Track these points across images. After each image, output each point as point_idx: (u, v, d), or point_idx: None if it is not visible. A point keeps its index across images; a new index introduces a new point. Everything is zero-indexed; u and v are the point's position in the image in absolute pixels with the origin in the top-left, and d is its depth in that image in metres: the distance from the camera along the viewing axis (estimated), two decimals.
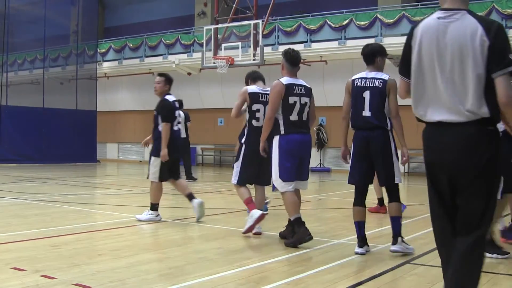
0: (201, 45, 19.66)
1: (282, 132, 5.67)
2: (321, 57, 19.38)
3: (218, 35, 18.47)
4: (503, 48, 2.79)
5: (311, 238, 5.52)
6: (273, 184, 6.09)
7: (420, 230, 6.79)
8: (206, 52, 18.36)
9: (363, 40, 18.21)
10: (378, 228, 6.93)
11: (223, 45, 18.52)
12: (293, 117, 5.68)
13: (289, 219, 5.80)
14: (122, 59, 24.71)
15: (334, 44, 18.78)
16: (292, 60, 6.21)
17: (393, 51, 18.25)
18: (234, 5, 18.44)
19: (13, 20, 22.40)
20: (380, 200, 8.39)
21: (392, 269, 4.70)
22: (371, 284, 4.18)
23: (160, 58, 22.89)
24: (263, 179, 6.48)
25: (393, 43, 17.84)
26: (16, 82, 23.82)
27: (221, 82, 22.13)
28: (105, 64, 25.07)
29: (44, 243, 5.53)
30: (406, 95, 3.10)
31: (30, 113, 21.20)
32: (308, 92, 5.90)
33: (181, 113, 9.89)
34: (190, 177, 14.63)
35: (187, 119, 14.12)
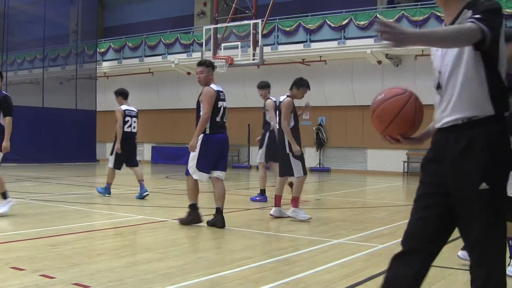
0: (201, 44, 19.65)
1: (208, 131, 6.68)
2: (320, 57, 19.39)
3: (218, 35, 18.47)
4: None
5: (201, 221, 6.77)
6: (186, 169, 6.91)
7: None
8: (205, 52, 18.35)
9: (362, 40, 18.27)
10: (378, 228, 6.92)
11: (223, 44, 18.52)
12: (219, 118, 6.77)
13: (192, 204, 6.83)
14: (121, 59, 24.71)
15: (334, 44, 18.79)
16: (214, 67, 7.15)
17: (393, 51, 18.32)
18: (234, 5, 18.44)
19: (13, 19, 22.40)
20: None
21: None
22: (370, 284, 4.18)
23: (159, 58, 22.90)
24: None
25: None
26: (16, 82, 23.81)
27: (221, 81, 22.08)
28: (105, 64, 25.07)
29: (43, 243, 5.53)
30: None
31: (29, 113, 21.18)
32: (224, 97, 7.03)
33: (131, 109, 10.42)
34: None
35: None
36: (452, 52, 2.53)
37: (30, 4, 23.77)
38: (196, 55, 20.58)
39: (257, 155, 10.40)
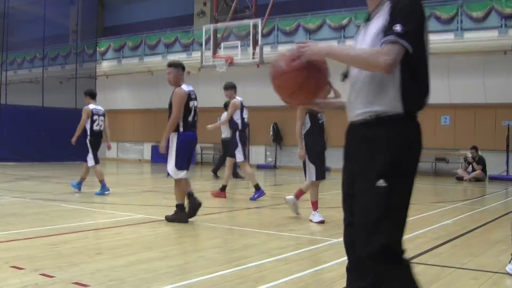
0: (201, 44, 19.66)
1: (181, 130, 6.92)
2: None
3: (218, 35, 18.48)
4: None
5: (187, 222, 6.94)
6: (167, 172, 7.07)
7: (418, 229, 6.79)
8: (205, 52, 18.37)
9: None
10: None
11: (223, 44, 18.53)
12: (190, 118, 7.02)
13: (179, 204, 7.00)
14: (121, 58, 24.71)
15: (334, 43, 18.77)
16: (183, 68, 7.34)
17: None
18: (234, 5, 18.44)
19: (13, 19, 22.40)
20: (224, 187, 10.17)
21: None
22: None
23: (159, 57, 22.89)
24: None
25: None
26: (16, 81, 23.83)
27: (221, 81, 22.09)
28: (104, 63, 25.07)
29: (43, 242, 5.53)
30: None
31: (29, 112, 21.20)
32: (196, 97, 7.23)
33: (99, 108, 10.87)
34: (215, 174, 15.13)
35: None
36: (366, 41, 2.49)
37: (30, 4, 23.77)
38: (196, 55, 20.59)
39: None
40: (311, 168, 7.25)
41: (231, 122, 10.47)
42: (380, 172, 2.33)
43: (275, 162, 21.24)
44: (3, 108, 20.58)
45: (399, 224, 2.37)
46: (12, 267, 4.39)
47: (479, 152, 16.55)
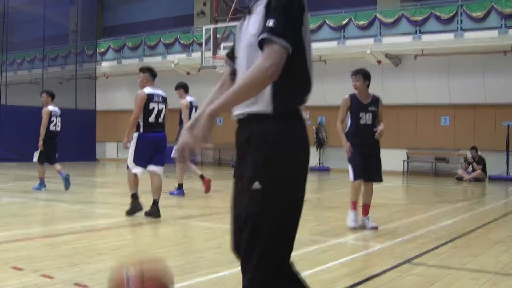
0: (200, 44, 19.66)
1: (141, 130, 7.35)
2: (320, 56, 19.37)
3: (217, 35, 18.47)
4: None
5: (141, 209, 7.24)
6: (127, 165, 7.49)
7: (419, 229, 6.79)
8: (205, 52, 18.35)
9: (362, 40, 18.28)
10: (378, 228, 6.92)
11: (222, 44, 18.52)
12: (151, 119, 7.39)
13: (154, 200, 7.23)
14: (121, 59, 24.70)
15: (333, 43, 18.79)
16: (154, 74, 7.94)
17: (392, 51, 18.34)
18: (233, 5, 18.44)
19: (13, 19, 22.41)
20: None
21: (392, 268, 4.70)
22: (370, 283, 4.18)
23: (159, 58, 22.89)
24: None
25: (393, 42, 17.89)
26: (15, 82, 23.83)
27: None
28: (104, 64, 25.06)
29: (43, 243, 5.53)
30: None
31: (29, 113, 21.17)
32: (164, 100, 7.73)
33: (56, 109, 11.36)
34: None
35: None
36: (245, 38, 2.31)
37: (29, 4, 23.78)
38: (196, 55, 20.58)
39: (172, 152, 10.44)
40: (350, 168, 6.80)
41: (181, 124, 10.63)
42: (255, 174, 2.22)
43: None
44: (3, 108, 20.57)
45: (278, 229, 2.23)
46: (12, 267, 4.39)
47: (479, 152, 16.55)
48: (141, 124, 7.42)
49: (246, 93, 2.15)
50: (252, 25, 2.26)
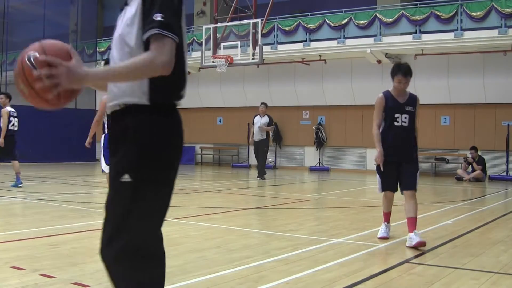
0: (200, 44, 19.66)
1: (106, 131, 7.61)
2: (320, 56, 19.39)
3: (217, 34, 18.48)
4: None
5: None
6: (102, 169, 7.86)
7: (418, 229, 6.78)
8: (205, 51, 18.36)
9: (362, 39, 18.28)
10: (378, 227, 6.92)
11: (222, 44, 18.52)
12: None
13: None
14: None
15: (333, 43, 18.79)
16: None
17: (392, 50, 18.34)
18: (233, 4, 18.44)
19: (13, 19, 22.41)
20: None
21: (391, 268, 4.70)
22: (370, 283, 4.18)
23: None
24: None
25: (393, 42, 17.89)
26: None
27: (220, 81, 22.14)
28: (104, 64, 25.07)
29: (43, 242, 5.53)
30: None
31: (29, 112, 21.12)
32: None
33: (13, 110, 12.25)
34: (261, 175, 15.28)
35: (270, 123, 15.23)
36: (119, 28, 2.29)
37: (29, 4, 23.78)
38: (196, 55, 20.58)
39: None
40: (377, 178, 6.09)
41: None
42: (125, 167, 2.21)
43: (275, 162, 21.24)
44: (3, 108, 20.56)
45: (147, 224, 2.26)
46: (12, 267, 4.39)
47: (479, 152, 16.55)
48: (106, 125, 7.76)
49: (130, 73, 2.12)
50: (127, 16, 2.25)
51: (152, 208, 2.27)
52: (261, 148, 15.13)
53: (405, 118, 5.89)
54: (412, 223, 5.72)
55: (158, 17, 2.12)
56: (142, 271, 2.23)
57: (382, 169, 5.91)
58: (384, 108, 5.93)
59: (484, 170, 16.22)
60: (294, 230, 6.69)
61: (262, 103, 15.80)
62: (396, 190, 6.04)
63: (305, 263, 4.85)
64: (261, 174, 15.12)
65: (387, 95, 5.97)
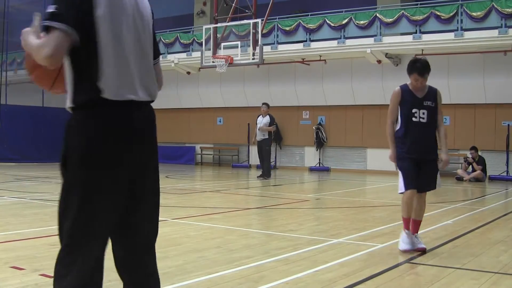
0: (201, 44, 19.66)
1: None
2: (320, 56, 19.39)
3: (218, 34, 18.47)
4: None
5: None
6: None
7: (419, 229, 6.78)
8: (205, 51, 18.35)
9: (362, 40, 18.28)
10: (378, 227, 6.93)
11: (223, 44, 18.52)
12: None
13: None
14: None
15: (334, 43, 18.79)
16: None
17: (392, 50, 18.34)
18: (233, 4, 18.43)
19: (13, 19, 22.39)
20: None
21: (391, 268, 4.70)
22: (370, 283, 4.18)
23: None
24: None
25: (393, 42, 17.88)
26: (15, 81, 23.82)
27: (221, 81, 22.14)
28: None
29: (43, 242, 5.53)
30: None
31: (29, 112, 21.20)
32: None
33: None
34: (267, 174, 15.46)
35: (271, 123, 15.40)
36: (146, 17, 2.47)
37: (29, 4, 23.76)
38: (196, 55, 20.60)
39: None
40: (400, 176, 5.54)
41: None
42: (60, 167, 2.34)
43: (275, 162, 21.24)
44: (3, 108, 20.58)
45: (72, 224, 2.26)
46: (12, 267, 4.40)
47: (479, 152, 16.55)
48: None
49: (32, 52, 2.20)
50: None
51: (76, 208, 2.25)
52: (263, 148, 15.29)
53: (423, 113, 5.48)
54: (418, 225, 5.60)
55: (50, 8, 2.15)
56: (59, 283, 2.27)
57: (401, 164, 5.49)
58: (401, 103, 5.54)
59: (484, 170, 16.22)
60: (294, 230, 6.69)
61: (263, 104, 15.87)
62: (418, 189, 5.54)
63: (305, 263, 4.85)
64: (266, 174, 15.26)
65: (405, 88, 5.60)
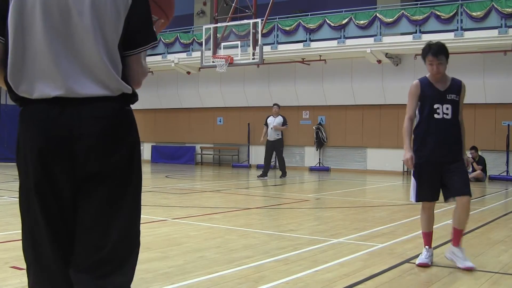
0: (201, 44, 19.66)
1: None
2: (320, 56, 19.39)
3: (218, 34, 18.46)
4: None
5: None
6: None
7: (419, 229, 6.78)
8: (205, 51, 18.35)
9: (362, 39, 18.28)
10: (378, 227, 6.93)
11: (223, 44, 18.51)
12: None
13: None
14: None
15: (334, 43, 18.79)
16: None
17: (392, 50, 18.34)
18: (233, 4, 18.43)
19: None
20: None
21: (391, 268, 4.70)
22: (370, 283, 4.18)
23: (159, 57, 22.90)
24: None
25: (393, 42, 17.89)
26: None
27: (221, 81, 22.14)
28: None
29: None
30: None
31: None
32: None
33: None
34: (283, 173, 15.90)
35: (284, 123, 15.73)
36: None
37: None
38: (196, 55, 20.60)
39: None
40: (412, 183, 4.96)
41: None
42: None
43: (275, 162, 21.23)
44: (3, 108, 20.60)
45: (23, 225, 2.11)
46: (12, 267, 4.40)
47: (479, 152, 16.55)
48: None
49: None
50: None
51: (21, 207, 2.10)
52: (277, 148, 15.66)
53: (447, 109, 4.76)
54: (459, 236, 4.87)
55: None
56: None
57: (417, 172, 4.86)
58: (420, 97, 4.83)
59: (484, 170, 16.22)
60: (294, 230, 6.69)
61: (274, 104, 16.20)
62: (437, 199, 4.97)
63: (305, 263, 4.85)
64: (283, 174, 15.71)
65: (424, 81, 4.92)
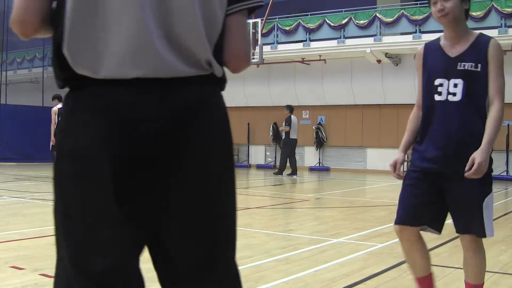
0: None
1: None
2: (320, 56, 19.39)
3: None
4: None
5: None
6: None
7: None
8: None
9: (362, 39, 18.28)
10: (378, 227, 6.93)
11: None
12: None
13: None
14: None
15: (333, 43, 18.79)
16: None
17: (392, 50, 18.34)
18: None
19: None
20: None
21: (392, 268, 4.70)
22: (370, 283, 4.18)
23: None
24: None
25: (393, 42, 17.89)
26: (15, 81, 23.84)
27: None
28: None
29: (43, 242, 5.53)
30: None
31: (29, 112, 21.21)
32: None
33: None
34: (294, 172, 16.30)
35: (285, 123, 16.40)
36: None
37: None
38: None
39: None
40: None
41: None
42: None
43: (275, 162, 21.23)
44: (3, 108, 20.59)
45: (57, 231, 1.50)
46: (12, 267, 4.39)
47: None
48: None
49: None
50: None
51: (57, 213, 1.50)
52: (281, 148, 16.72)
53: (455, 85, 2.93)
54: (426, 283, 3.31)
55: None
56: None
57: (403, 183, 3.20)
58: (423, 70, 3.08)
59: None
60: (294, 230, 6.69)
61: (286, 106, 16.93)
62: (423, 224, 3.37)
63: (305, 263, 4.85)
64: (293, 172, 16.14)
65: (432, 45, 3.09)
